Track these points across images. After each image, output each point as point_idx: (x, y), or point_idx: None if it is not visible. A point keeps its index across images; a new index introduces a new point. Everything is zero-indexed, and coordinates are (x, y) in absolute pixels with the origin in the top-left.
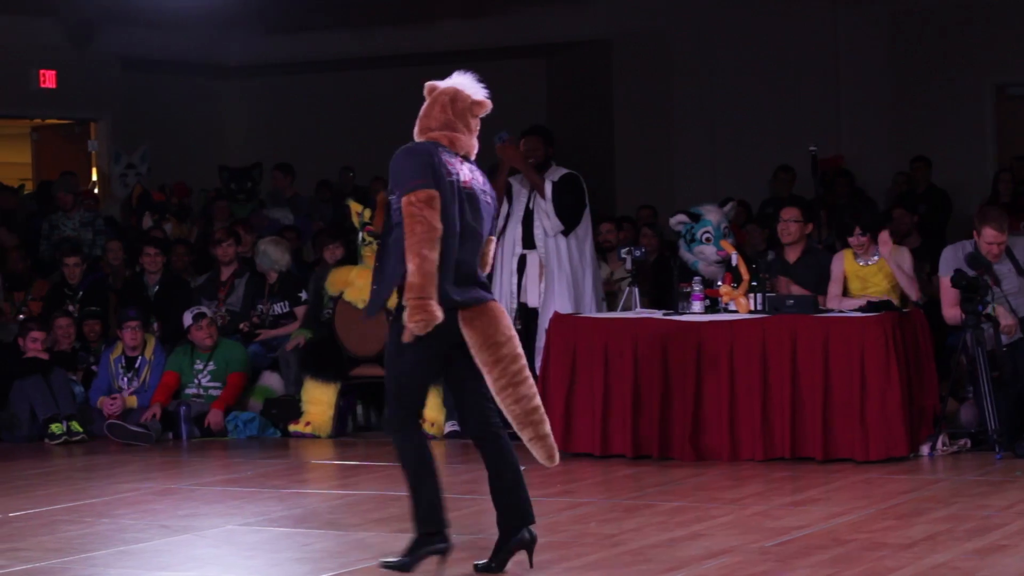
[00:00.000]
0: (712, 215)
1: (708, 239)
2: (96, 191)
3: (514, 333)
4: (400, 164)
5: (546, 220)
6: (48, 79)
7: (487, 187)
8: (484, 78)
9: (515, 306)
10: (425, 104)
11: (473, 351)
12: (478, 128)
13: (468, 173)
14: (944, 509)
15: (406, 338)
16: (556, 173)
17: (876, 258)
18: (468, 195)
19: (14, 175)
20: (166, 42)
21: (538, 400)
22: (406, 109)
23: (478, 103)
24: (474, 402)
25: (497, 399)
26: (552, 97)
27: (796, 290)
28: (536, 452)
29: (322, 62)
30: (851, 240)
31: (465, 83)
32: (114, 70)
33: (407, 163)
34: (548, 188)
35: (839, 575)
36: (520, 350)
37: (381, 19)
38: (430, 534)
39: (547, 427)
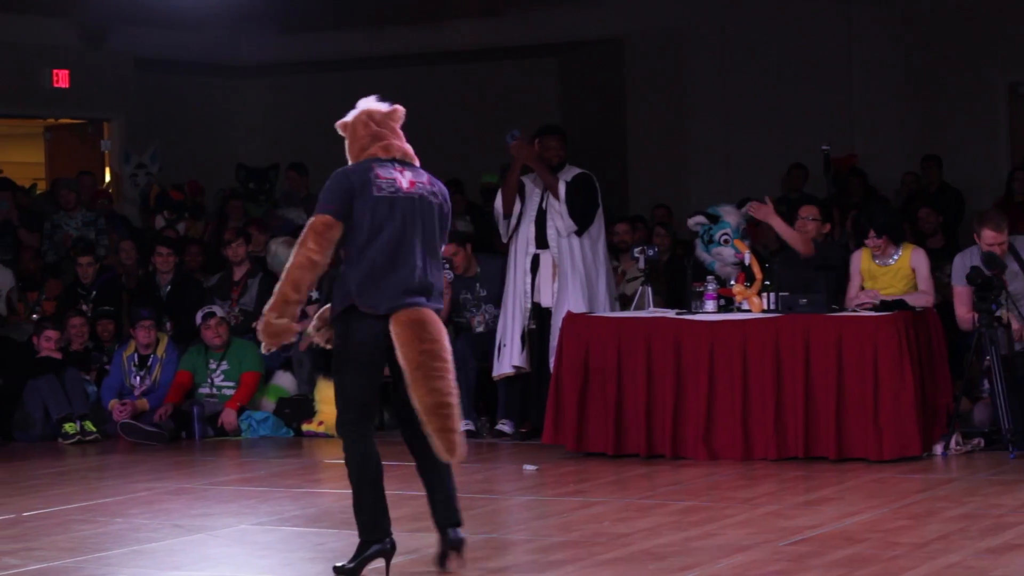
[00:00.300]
0: (731, 216)
1: (726, 240)
2: (110, 191)
3: (443, 340)
4: (324, 187)
5: (559, 220)
6: (61, 79)
7: (436, 186)
8: (497, 77)
9: (528, 306)
10: (347, 137)
11: (399, 352)
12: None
13: (411, 177)
14: (958, 508)
15: (264, 349)
16: (570, 173)
17: (893, 260)
18: (409, 201)
19: (27, 175)
20: (179, 42)
21: (453, 400)
22: (419, 108)
23: (391, 112)
24: (407, 403)
25: (410, 391)
26: (565, 96)
27: (778, 222)
28: (436, 443)
29: (334, 61)
30: (867, 243)
31: (370, 103)
32: (127, 70)
33: (327, 187)
34: (561, 188)
35: (852, 574)
36: (447, 355)
37: (394, 18)
38: (370, 541)
39: (456, 423)
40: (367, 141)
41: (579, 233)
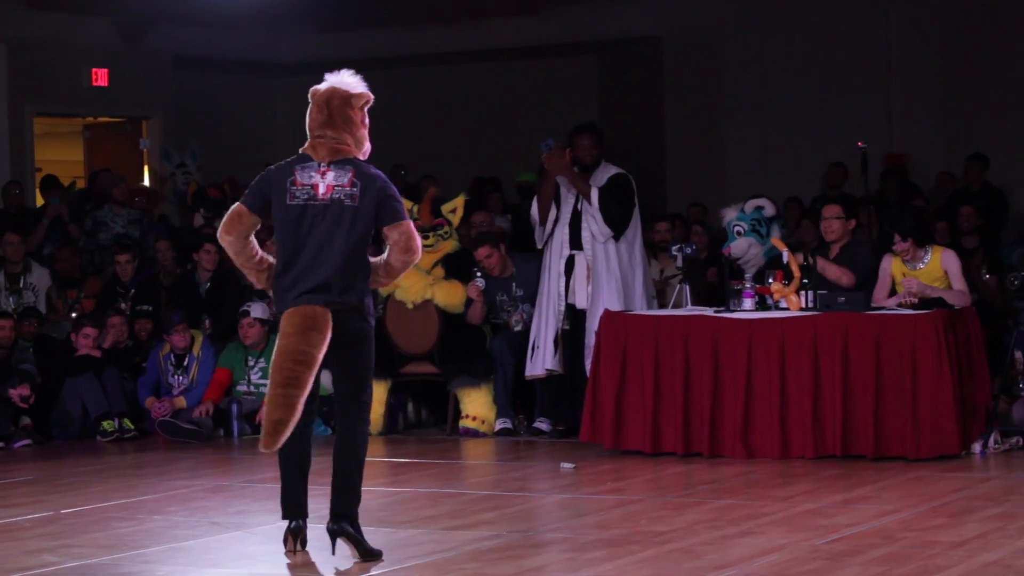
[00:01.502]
0: (730, 212)
1: (740, 233)
2: (149, 189)
3: (298, 336)
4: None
5: (594, 225)
6: (100, 77)
7: (358, 185)
8: (535, 75)
9: (563, 307)
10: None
11: None
12: (366, 120)
13: (331, 180)
14: (996, 507)
15: None
16: (605, 173)
17: (924, 263)
18: (322, 208)
19: (66, 173)
20: (218, 40)
21: (276, 391)
22: (457, 106)
23: (354, 96)
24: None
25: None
26: (603, 94)
27: (832, 270)
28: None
29: (372, 60)
30: (895, 248)
31: (340, 80)
32: (166, 68)
33: (255, 179)
34: (595, 195)
35: (890, 573)
36: (298, 355)
37: (432, 17)
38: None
39: (271, 412)
40: (309, 132)
41: (616, 238)
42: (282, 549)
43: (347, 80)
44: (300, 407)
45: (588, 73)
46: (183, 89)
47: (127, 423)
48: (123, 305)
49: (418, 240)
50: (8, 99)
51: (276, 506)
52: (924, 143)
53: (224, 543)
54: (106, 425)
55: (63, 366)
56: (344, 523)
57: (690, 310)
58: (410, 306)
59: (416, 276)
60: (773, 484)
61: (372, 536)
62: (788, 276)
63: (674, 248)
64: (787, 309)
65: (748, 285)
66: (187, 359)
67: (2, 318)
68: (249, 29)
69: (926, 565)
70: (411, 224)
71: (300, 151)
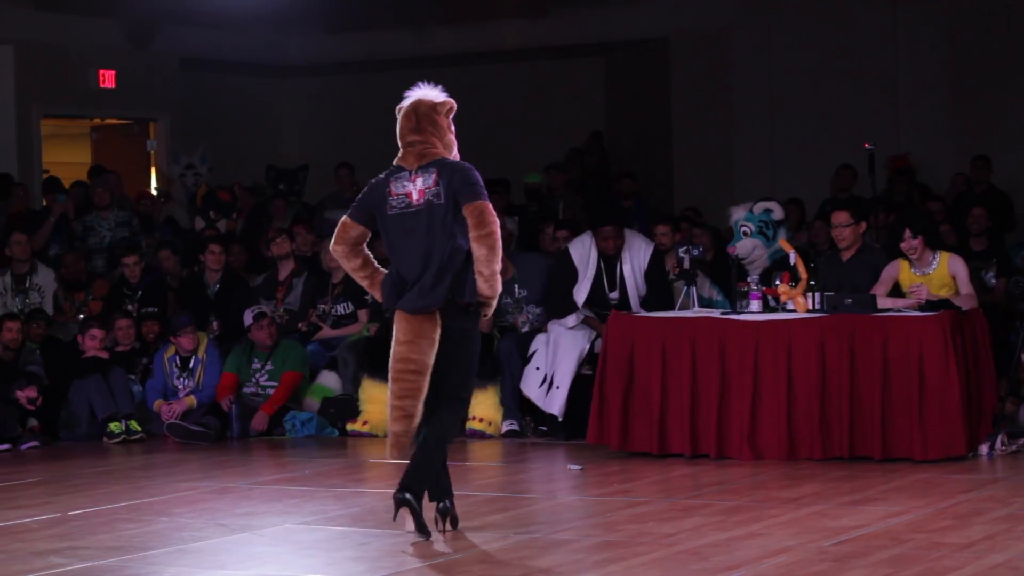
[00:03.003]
0: (737, 212)
1: (746, 233)
2: (155, 191)
3: (408, 344)
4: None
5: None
6: (107, 79)
7: (442, 182)
8: (542, 77)
9: (585, 351)
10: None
11: None
12: (452, 128)
13: (420, 185)
14: (1003, 509)
15: None
16: (638, 255)
17: (931, 268)
18: (416, 215)
19: (74, 175)
20: (225, 42)
21: (396, 403)
22: (464, 108)
23: (438, 105)
24: None
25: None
26: (610, 96)
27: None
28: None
29: (380, 61)
30: (903, 245)
31: (423, 93)
32: (173, 70)
33: (361, 193)
34: (633, 285)
35: (897, 575)
36: (411, 363)
37: (439, 18)
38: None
39: (394, 426)
40: (400, 142)
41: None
42: (288, 550)
43: (429, 92)
44: (418, 414)
45: (595, 74)
46: (190, 91)
47: (134, 425)
48: (130, 307)
49: (492, 216)
50: (15, 101)
51: (283, 507)
52: (932, 144)
53: (231, 545)
54: (113, 427)
55: (70, 368)
56: (409, 495)
57: (697, 312)
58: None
59: None
60: (780, 486)
61: (380, 538)
62: (795, 278)
63: (681, 250)
64: (794, 311)
65: (755, 287)
66: (192, 361)
67: (10, 320)
68: (256, 30)
69: (933, 567)
70: (486, 203)
71: (394, 162)
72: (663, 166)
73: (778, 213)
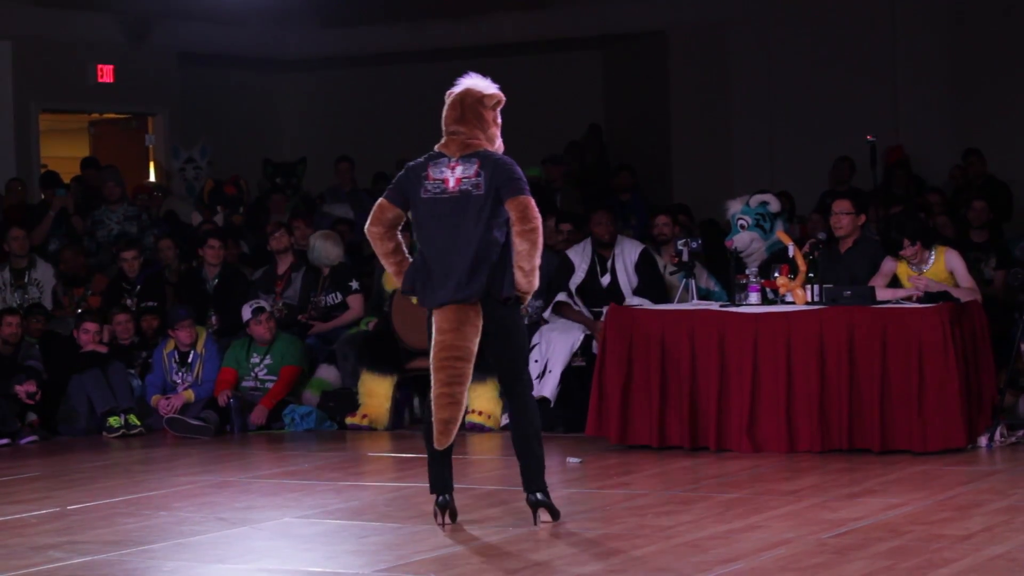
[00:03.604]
0: (733, 205)
1: (744, 226)
2: (153, 185)
3: (452, 332)
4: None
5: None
6: (106, 74)
7: (483, 174)
8: (540, 70)
9: (578, 346)
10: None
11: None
12: (498, 120)
13: (459, 173)
14: (1002, 501)
15: None
16: (628, 251)
17: (928, 265)
18: (451, 201)
19: (72, 170)
20: (223, 36)
21: (445, 391)
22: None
23: (486, 97)
24: None
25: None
26: (609, 89)
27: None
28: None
29: (378, 55)
30: (902, 254)
31: (473, 82)
32: (171, 64)
33: (396, 176)
34: (625, 279)
35: (896, 567)
36: (455, 350)
37: (437, 12)
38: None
39: (443, 413)
40: (444, 129)
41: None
42: (287, 544)
43: (479, 83)
44: (464, 401)
45: (594, 68)
46: (188, 85)
47: (133, 419)
48: (129, 302)
49: (535, 211)
50: (14, 95)
51: (282, 501)
52: (931, 136)
53: (230, 539)
54: (112, 421)
55: (69, 363)
56: (540, 494)
57: (696, 304)
58: (415, 301)
59: None
60: (779, 478)
61: (379, 531)
62: (793, 270)
63: (679, 243)
64: (793, 303)
65: (754, 279)
66: (191, 356)
67: (9, 315)
68: (254, 25)
69: (932, 559)
70: (529, 198)
71: (435, 148)
72: (662, 159)
73: (775, 205)
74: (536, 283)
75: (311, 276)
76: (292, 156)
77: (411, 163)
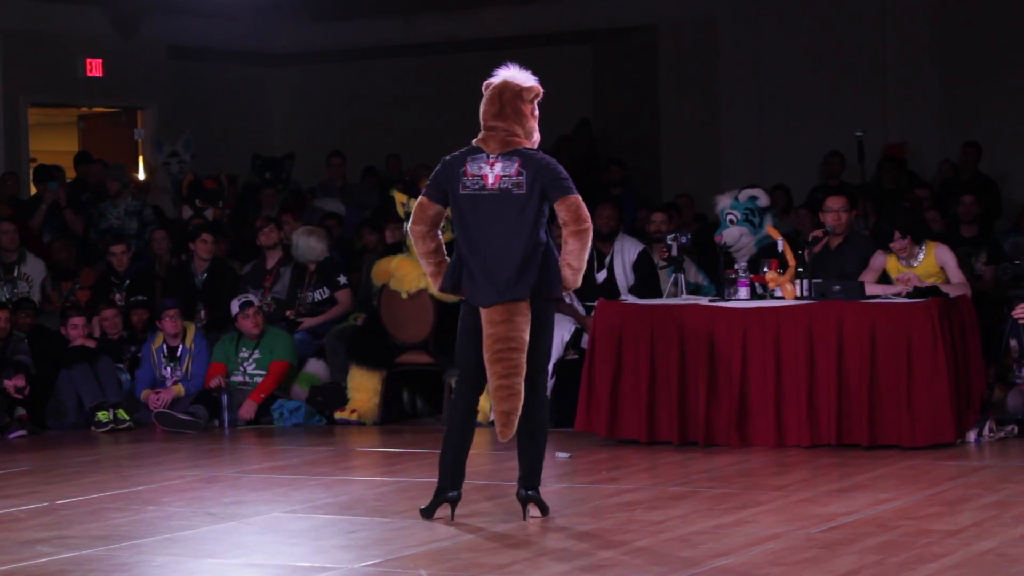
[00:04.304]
0: (722, 200)
1: (732, 221)
2: (142, 179)
3: (503, 326)
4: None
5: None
6: (95, 67)
7: (525, 173)
8: (530, 65)
9: (568, 337)
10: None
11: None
12: (535, 112)
13: (499, 171)
14: (991, 496)
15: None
16: (626, 249)
17: (919, 260)
18: (491, 198)
19: (61, 164)
20: (213, 30)
21: (504, 383)
22: (452, 96)
23: (525, 90)
24: None
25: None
26: (598, 83)
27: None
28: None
29: (368, 49)
30: (893, 246)
31: (511, 74)
32: (161, 58)
33: (434, 171)
34: (621, 275)
35: (885, 561)
36: (510, 341)
37: (427, 6)
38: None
39: (504, 404)
40: (482, 123)
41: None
42: (276, 539)
43: (518, 75)
44: (522, 391)
45: (583, 62)
46: (178, 79)
47: (122, 414)
48: (117, 296)
49: (585, 210)
50: (2, 89)
51: (271, 496)
52: (920, 131)
53: (219, 533)
54: (101, 416)
55: (58, 357)
56: (532, 491)
57: (685, 299)
58: (405, 296)
59: (411, 265)
60: (768, 473)
61: (368, 526)
62: (783, 265)
63: (669, 238)
64: (782, 298)
65: (743, 274)
66: (179, 351)
67: None
68: (244, 19)
69: (921, 553)
70: (578, 197)
71: (473, 142)
72: (651, 153)
73: (763, 200)
74: (580, 281)
75: (298, 272)
76: (282, 150)
77: (447, 157)
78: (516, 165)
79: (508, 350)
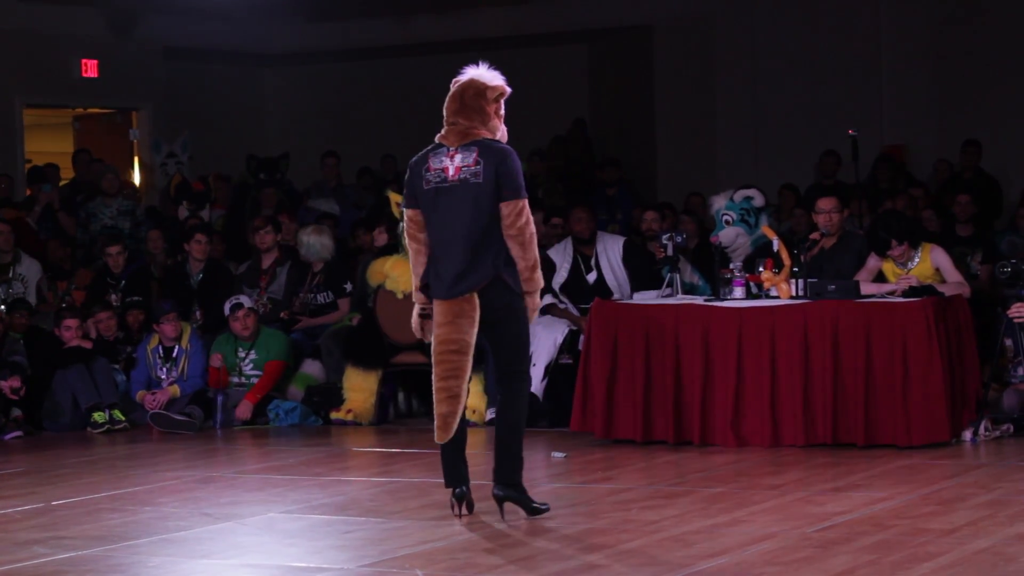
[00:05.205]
0: (717, 201)
1: (728, 221)
2: (137, 180)
3: (449, 327)
4: None
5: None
6: (90, 68)
7: (481, 162)
8: (525, 65)
9: (561, 340)
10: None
11: None
12: (500, 111)
13: (459, 162)
14: (986, 495)
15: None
16: (610, 245)
17: (915, 263)
18: (451, 190)
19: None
20: (208, 30)
21: (442, 384)
22: (447, 96)
23: (488, 88)
24: None
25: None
26: (594, 83)
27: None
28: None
29: (363, 49)
30: (890, 254)
31: (477, 73)
32: (156, 59)
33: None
34: (610, 273)
35: (881, 561)
36: (451, 344)
37: (422, 6)
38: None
39: (442, 408)
40: (444, 120)
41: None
42: (272, 539)
43: (484, 74)
44: (464, 395)
45: (579, 62)
46: (173, 80)
47: (117, 414)
48: (113, 297)
49: (526, 217)
50: None
51: (267, 496)
52: (916, 131)
53: (215, 534)
54: (97, 417)
55: (53, 358)
56: (508, 488)
57: (681, 299)
58: (400, 296)
59: (406, 266)
60: (764, 472)
61: (363, 526)
62: (778, 264)
63: (664, 237)
64: (777, 297)
65: (738, 274)
66: (176, 351)
67: None
68: (239, 19)
69: (917, 552)
70: (526, 203)
71: (436, 138)
72: (647, 154)
73: (759, 200)
74: (539, 281)
75: (297, 271)
76: (277, 151)
77: (412, 160)
78: (474, 155)
79: (449, 352)
